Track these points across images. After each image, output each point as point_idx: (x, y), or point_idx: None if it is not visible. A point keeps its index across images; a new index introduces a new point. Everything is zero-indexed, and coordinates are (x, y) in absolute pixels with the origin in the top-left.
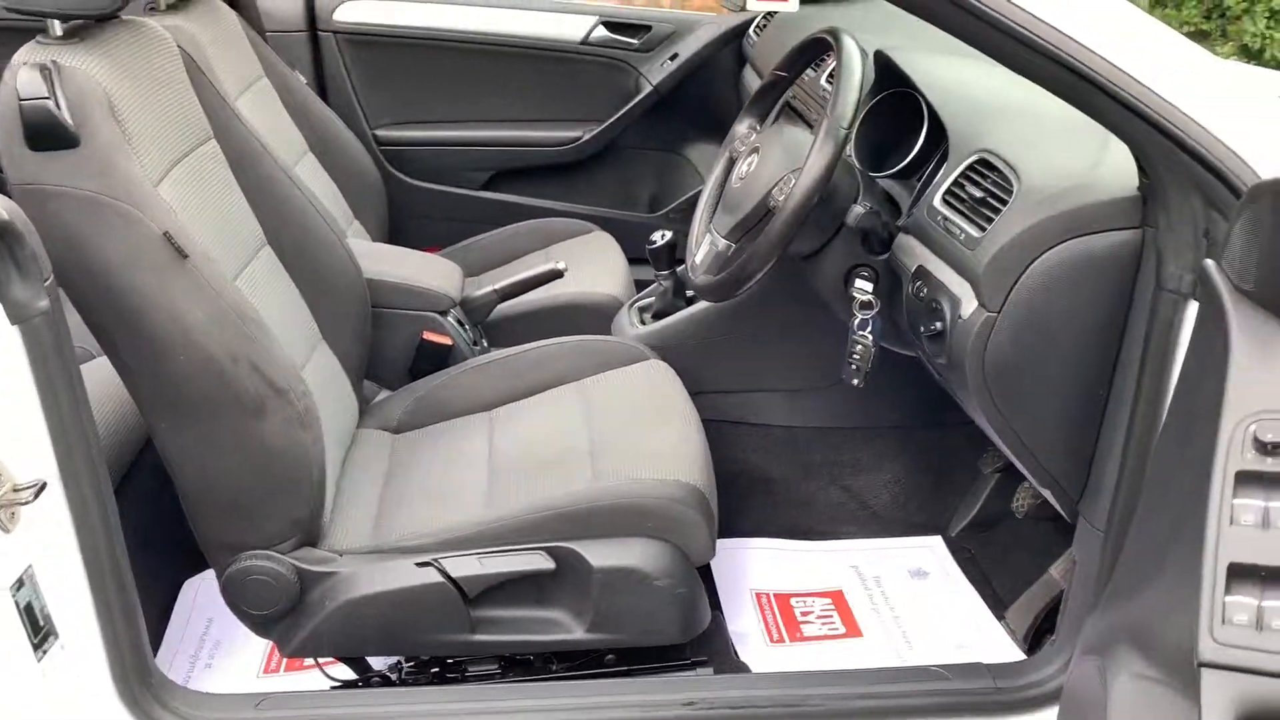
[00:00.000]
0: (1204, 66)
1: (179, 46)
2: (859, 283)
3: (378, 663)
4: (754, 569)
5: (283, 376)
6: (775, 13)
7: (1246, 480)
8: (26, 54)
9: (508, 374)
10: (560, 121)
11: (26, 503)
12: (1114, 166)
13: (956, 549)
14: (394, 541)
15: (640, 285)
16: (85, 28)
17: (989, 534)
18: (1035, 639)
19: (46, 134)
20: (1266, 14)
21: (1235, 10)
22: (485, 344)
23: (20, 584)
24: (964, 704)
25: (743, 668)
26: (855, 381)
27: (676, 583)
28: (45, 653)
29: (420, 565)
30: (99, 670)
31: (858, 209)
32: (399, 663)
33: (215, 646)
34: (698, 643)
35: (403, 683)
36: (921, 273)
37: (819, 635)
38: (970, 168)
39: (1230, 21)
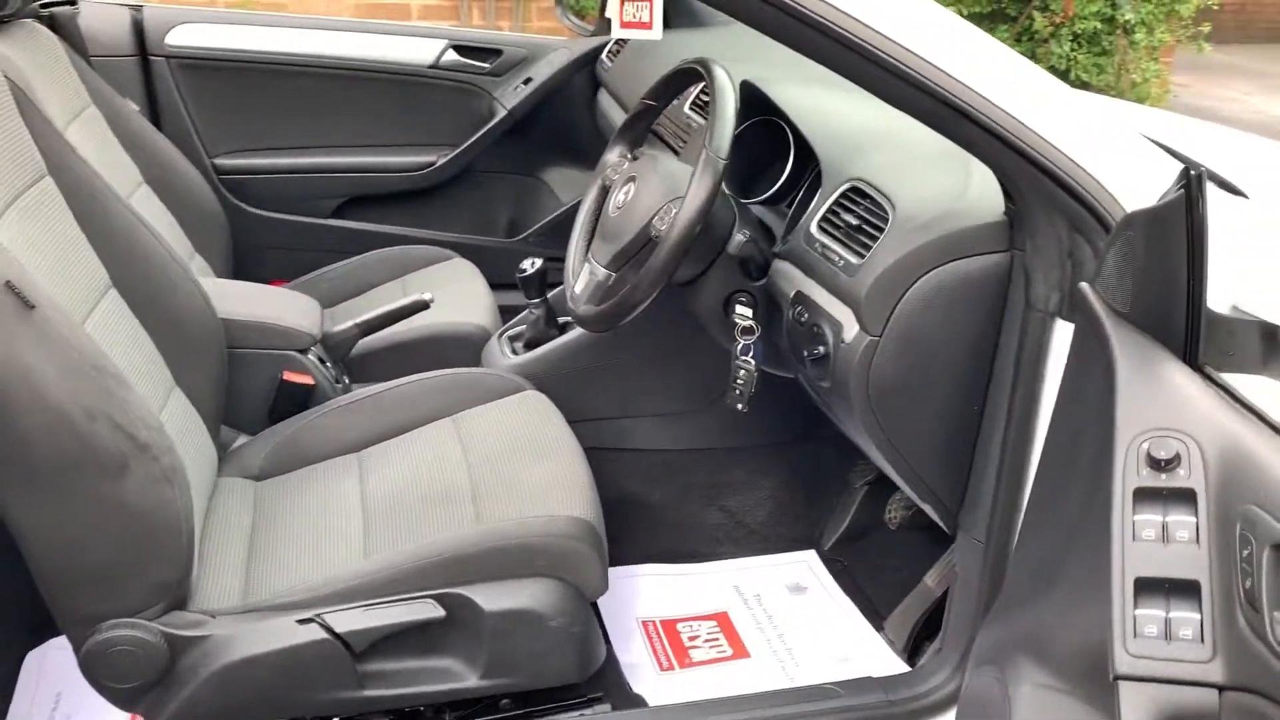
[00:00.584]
0: (1060, 96)
1: (4, 75)
2: (739, 309)
3: None
4: (639, 597)
5: (145, 431)
6: (629, 39)
7: (1144, 497)
8: None
9: (376, 412)
10: (412, 146)
11: None
12: (980, 193)
13: (830, 561)
14: (270, 598)
15: (505, 313)
16: None
17: (860, 545)
18: (914, 647)
19: None
20: (1071, 37)
21: (1043, 34)
22: (347, 381)
23: None
24: (861, 719)
25: (637, 699)
26: (740, 406)
27: (571, 621)
28: None
29: (302, 622)
30: None
31: (739, 237)
32: None
33: None
34: (590, 678)
35: None
36: (801, 298)
37: (708, 659)
38: (844, 195)
39: (1039, 44)
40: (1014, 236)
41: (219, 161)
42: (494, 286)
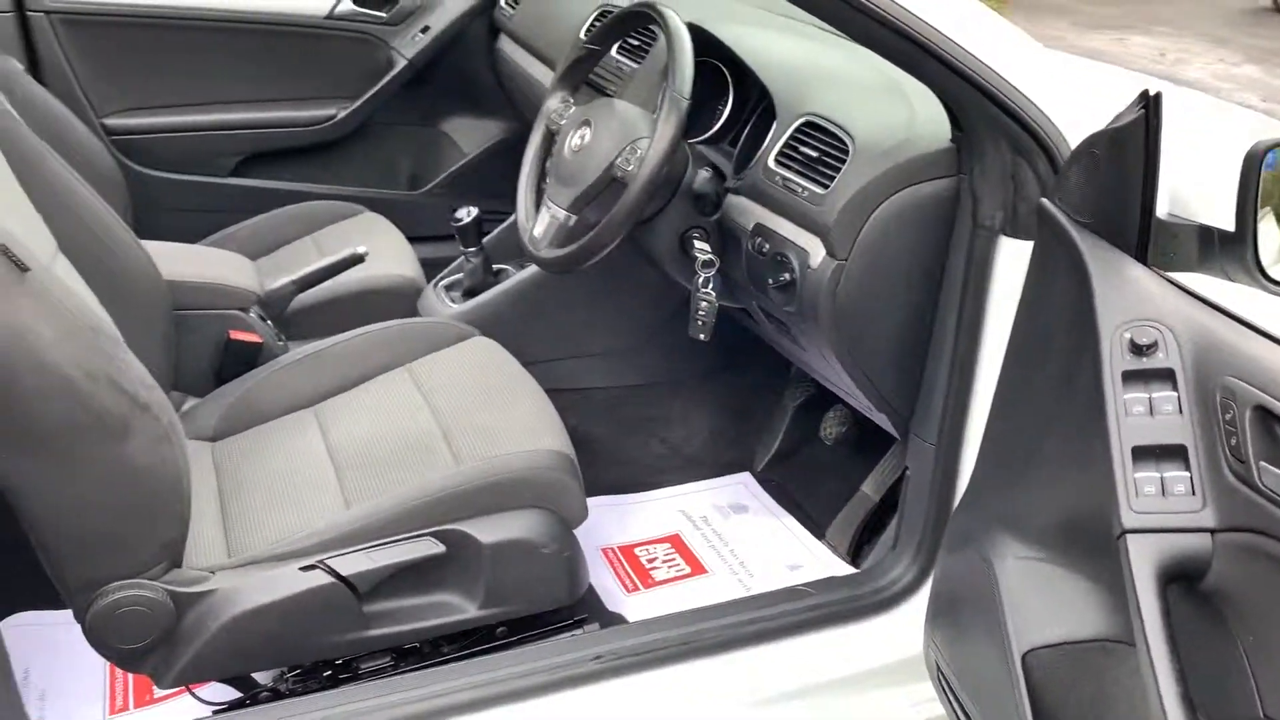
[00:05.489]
0: (1003, 32)
1: None
2: (697, 244)
3: (258, 677)
4: (595, 527)
5: (144, 391)
6: None
7: (1130, 378)
8: None
9: (326, 366)
10: (312, 100)
11: None
12: (926, 122)
13: (764, 481)
14: (263, 550)
15: (424, 265)
16: None
17: (791, 463)
18: (856, 550)
19: None
20: None
21: None
22: (284, 339)
23: None
24: (835, 614)
25: (619, 618)
26: (702, 336)
27: (561, 547)
28: None
29: (305, 569)
30: None
31: (704, 174)
32: (282, 674)
33: (42, 698)
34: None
35: (291, 693)
36: (761, 229)
37: (670, 578)
38: (799, 130)
39: None
40: (961, 162)
41: (109, 122)
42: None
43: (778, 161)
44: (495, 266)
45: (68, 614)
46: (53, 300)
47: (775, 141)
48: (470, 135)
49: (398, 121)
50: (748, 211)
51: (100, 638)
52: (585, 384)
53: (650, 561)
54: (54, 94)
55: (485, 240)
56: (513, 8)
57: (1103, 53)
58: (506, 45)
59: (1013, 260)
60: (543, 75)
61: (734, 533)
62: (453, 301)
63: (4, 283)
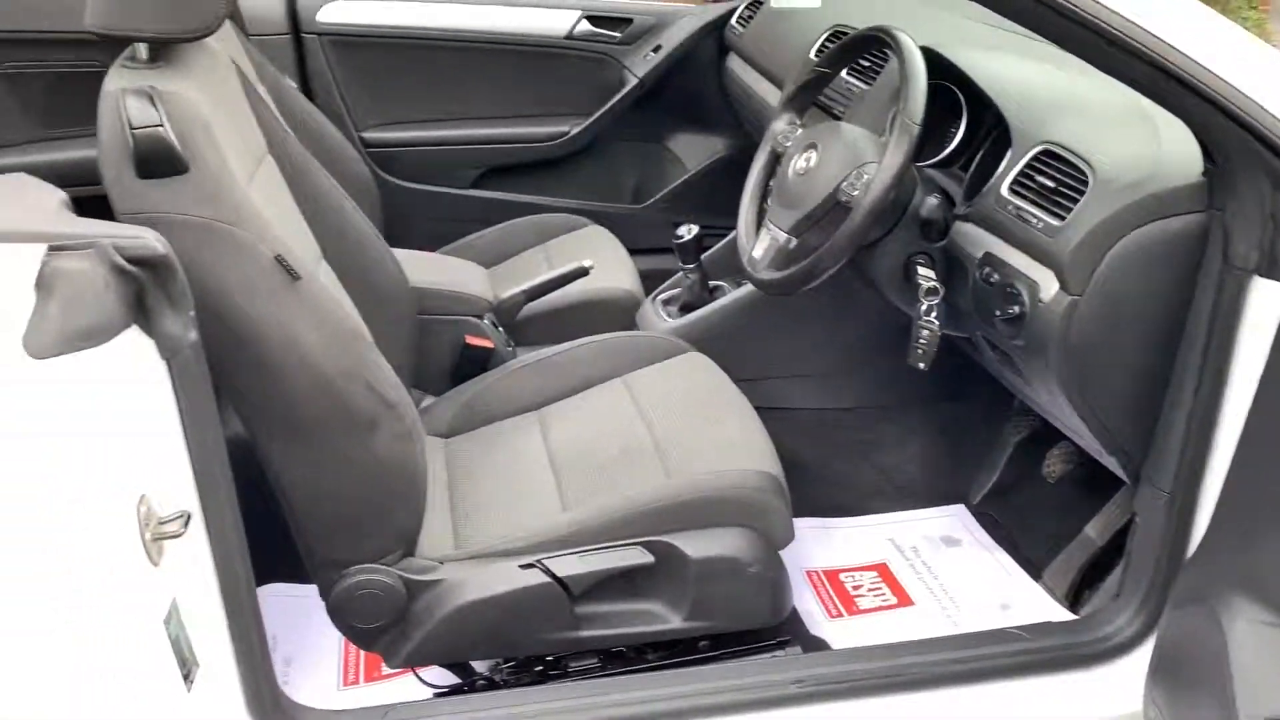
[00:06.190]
0: (1265, 57)
1: (234, 63)
2: (921, 270)
3: (476, 666)
4: (801, 549)
5: (393, 391)
6: (760, 3)
7: None
8: (119, 80)
9: (550, 373)
10: (547, 116)
11: (178, 535)
12: (1175, 153)
13: (979, 515)
14: (484, 546)
15: (642, 277)
16: (165, 50)
17: (1008, 499)
18: (1074, 596)
19: (159, 162)
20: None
21: None
22: (513, 345)
23: (168, 617)
24: (1049, 660)
25: (821, 643)
26: (921, 365)
27: (765, 568)
28: (192, 684)
29: (524, 567)
30: (234, 698)
31: (931, 200)
32: (497, 664)
33: (287, 664)
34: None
35: (505, 684)
36: (990, 259)
37: (874, 607)
38: (1035, 158)
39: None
40: (1214, 196)
41: (366, 134)
42: (631, 252)
43: (1011, 190)
44: (711, 283)
45: (314, 588)
46: (318, 306)
47: (1010, 169)
48: (693, 151)
49: (624, 137)
50: (977, 240)
51: (340, 615)
52: (797, 404)
53: (855, 588)
54: (320, 108)
55: (703, 257)
56: (743, 26)
57: None
58: (735, 64)
59: (1267, 303)
60: (769, 93)
61: (944, 566)
62: (669, 316)
63: (279, 289)
